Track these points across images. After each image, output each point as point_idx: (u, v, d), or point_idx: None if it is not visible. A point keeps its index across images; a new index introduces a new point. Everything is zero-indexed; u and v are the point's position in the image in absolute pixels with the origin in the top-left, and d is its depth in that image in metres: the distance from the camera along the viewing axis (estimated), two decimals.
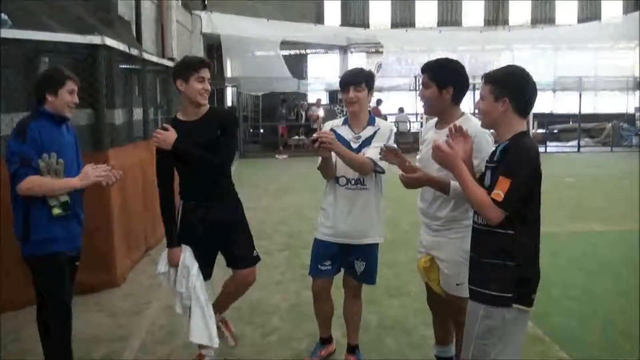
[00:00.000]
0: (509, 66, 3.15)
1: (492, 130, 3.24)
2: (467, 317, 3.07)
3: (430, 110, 3.75)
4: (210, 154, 3.99)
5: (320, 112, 22.49)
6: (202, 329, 4.09)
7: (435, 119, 3.82)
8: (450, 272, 3.62)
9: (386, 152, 3.69)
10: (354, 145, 4.11)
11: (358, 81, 4.08)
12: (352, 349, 4.47)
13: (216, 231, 4.17)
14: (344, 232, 4.15)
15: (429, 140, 3.69)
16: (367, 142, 4.10)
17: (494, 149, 3.09)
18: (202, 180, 4.11)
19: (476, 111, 3.17)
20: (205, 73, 4.03)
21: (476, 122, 3.51)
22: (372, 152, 4.01)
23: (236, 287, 4.45)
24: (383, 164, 3.95)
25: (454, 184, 3.35)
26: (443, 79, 3.60)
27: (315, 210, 4.56)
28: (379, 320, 5.25)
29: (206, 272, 4.25)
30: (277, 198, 10.98)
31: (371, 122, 4.19)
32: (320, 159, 4.04)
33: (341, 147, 3.99)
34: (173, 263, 4.12)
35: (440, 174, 3.47)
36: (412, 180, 3.55)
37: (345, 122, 4.24)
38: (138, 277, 6.67)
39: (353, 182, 4.12)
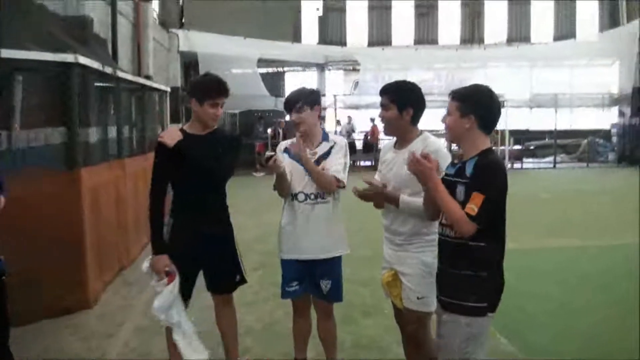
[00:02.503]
0: (475, 85, 3.29)
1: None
2: (443, 328, 3.15)
3: (390, 131, 3.89)
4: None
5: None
6: (190, 349, 4.05)
7: (394, 139, 3.91)
8: (413, 286, 3.68)
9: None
10: None
11: (298, 103, 4.12)
12: None
13: (203, 250, 4.14)
14: (308, 248, 4.15)
15: (389, 160, 3.84)
16: (323, 158, 4.14)
17: (458, 164, 3.18)
18: (197, 195, 4.11)
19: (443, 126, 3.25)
20: (221, 100, 4.08)
21: (434, 140, 3.70)
22: (336, 169, 4.06)
23: (225, 323, 4.46)
24: (344, 178, 4.06)
25: (404, 198, 3.58)
26: (403, 101, 3.71)
27: None
28: (354, 340, 5.23)
29: (188, 291, 4.21)
30: (253, 216, 10.95)
31: (325, 138, 4.22)
32: (275, 177, 4.07)
33: (312, 163, 4.06)
34: (157, 270, 4.06)
35: (397, 193, 3.66)
36: (365, 194, 3.78)
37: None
38: (111, 298, 6.58)
39: (312, 196, 4.13)
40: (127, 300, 6.50)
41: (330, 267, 4.20)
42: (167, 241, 4.12)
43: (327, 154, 4.15)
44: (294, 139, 4.27)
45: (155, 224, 4.08)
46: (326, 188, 4.09)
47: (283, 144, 4.37)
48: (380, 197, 3.78)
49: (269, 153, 3.98)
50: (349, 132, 24.86)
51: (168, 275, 4.00)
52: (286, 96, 4.26)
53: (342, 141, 4.27)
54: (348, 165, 4.19)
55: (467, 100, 3.12)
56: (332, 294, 4.24)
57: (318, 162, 4.12)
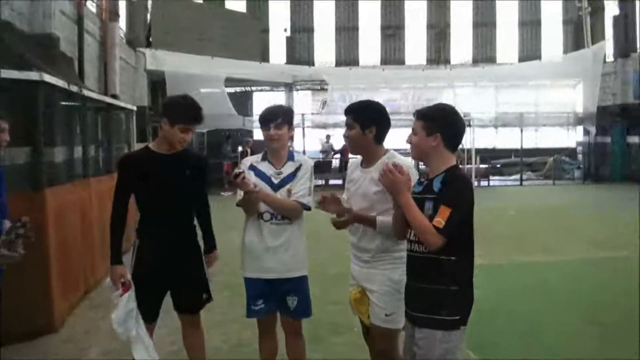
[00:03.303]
0: (440, 104, 3.41)
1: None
2: (419, 344, 3.15)
3: (355, 150, 3.93)
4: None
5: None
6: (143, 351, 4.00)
7: (360, 158, 3.95)
8: (381, 303, 3.70)
9: (326, 202, 3.82)
10: (275, 181, 4.13)
11: (278, 119, 4.10)
12: None
13: (170, 270, 4.09)
14: (272, 267, 4.12)
15: (356, 179, 3.88)
16: (289, 178, 4.13)
17: (425, 181, 3.24)
18: (163, 215, 4.09)
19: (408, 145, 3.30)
20: (194, 126, 4.05)
21: (400, 158, 3.72)
22: (302, 193, 4.08)
23: (193, 344, 4.40)
24: (309, 201, 4.08)
25: (380, 219, 3.62)
26: (366, 120, 3.76)
27: None
28: (325, 358, 5.19)
29: (155, 311, 4.17)
30: (220, 236, 10.82)
31: (290, 157, 4.22)
32: (241, 194, 4.05)
33: (274, 197, 4.08)
34: (113, 279, 4.04)
35: (365, 212, 3.72)
36: (341, 223, 3.82)
37: (264, 158, 4.24)
38: (77, 321, 6.44)
39: (279, 217, 4.11)
40: (93, 323, 6.37)
41: (296, 284, 4.18)
42: (134, 262, 4.08)
43: (292, 175, 4.15)
44: (259, 156, 4.29)
45: (114, 235, 4.07)
46: (291, 215, 4.11)
47: (248, 161, 4.33)
48: (355, 221, 3.80)
49: (237, 170, 3.98)
50: (327, 151, 24.91)
51: (123, 285, 3.96)
52: (265, 110, 4.22)
53: (308, 162, 4.27)
54: (312, 187, 4.18)
55: (432, 120, 3.18)
56: (299, 310, 4.20)
57: (283, 182, 4.12)
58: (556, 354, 5.36)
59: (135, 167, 4.07)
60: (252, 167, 4.22)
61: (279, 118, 4.10)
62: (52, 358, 5.42)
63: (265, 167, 4.19)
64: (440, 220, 2.95)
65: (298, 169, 4.16)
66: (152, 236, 4.10)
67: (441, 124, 3.17)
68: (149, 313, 4.11)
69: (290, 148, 4.39)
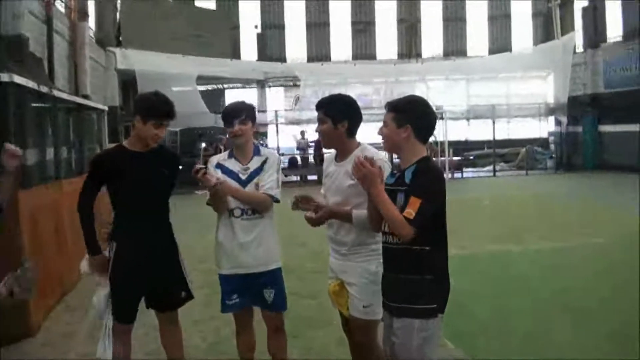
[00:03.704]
0: (410, 96, 3.42)
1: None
2: (397, 334, 3.19)
3: (328, 144, 3.97)
4: None
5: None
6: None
7: (335, 152, 3.99)
8: (358, 295, 3.74)
9: (300, 202, 3.88)
10: (243, 177, 4.17)
11: (242, 115, 4.14)
12: None
13: (148, 270, 4.07)
14: (246, 262, 4.15)
15: (331, 173, 3.92)
16: (256, 172, 4.17)
17: (397, 173, 3.28)
18: (138, 214, 4.07)
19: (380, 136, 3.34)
20: (166, 122, 4.04)
21: (373, 151, 3.77)
22: (269, 185, 4.11)
23: (171, 343, 4.40)
24: (277, 193, 4.12)
25: (356, 212, 3.64)
26: (337, 115, 3.79)
27: None
28: (302, 353, 5.23)
29: (134, 313, 4.16)
30: (196, 234, 10.80)
31: (257, 152, 4.25)
32: (208, 193, 4.08)
33: (238, 189, 4.11)
34: (95, 270, 4.07)
35: (341, 206, 3.76)
36: (315, 220, 3.84)
37: (231, 155, 4.27)
38: (54, 325, 6.37)
39: (250, 212, 4.14)
40: (70, 326, 6.32)
41: (272, 277, 4.21)
42: (111, 263, 4.07)
43: (259, 168, 4.18)
44: (226, 153, 4.32)
45: (85, 226, 4.08)
46: (260, 208, 4.13)
47: (215, 159, 4.36)
48: (330, 217, 3.84)
49: (198, 165, 4.00)
50: (304, 148, 24.90)
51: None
52: (227, 107, 4.27)
53: (274, 156, 4.31)
54: (280, 179, 4.22)
55: (403, 111, 3.22)
56: (276, 302, 4.23)
57: (251, 177, 4.16)
58: (532, 340, 5.43)
59: (109, 165, 4.07)
60: (218, 165, 4.24)
61: (243, 114, 4.14)
62: None
63: (232, 164, 4.22)
64: (410, 212, 2.99)
65: (264, 162, 4.19)
66: (129, 235, 4.08)
67: (412, 115, 3.20)
68: (129, 314, 4.13)
69: (262, 144, 4.41)
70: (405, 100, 3.33)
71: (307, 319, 5.98)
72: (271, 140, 24.78)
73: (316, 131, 3.95)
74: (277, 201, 4.16)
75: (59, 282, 7.21)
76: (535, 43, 29.49)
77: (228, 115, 4.17)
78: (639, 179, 16.04)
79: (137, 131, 4.07)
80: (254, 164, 4.19)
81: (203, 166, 4.02)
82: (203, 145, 23.38)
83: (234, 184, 4.13)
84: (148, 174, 4.03)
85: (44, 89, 7.25)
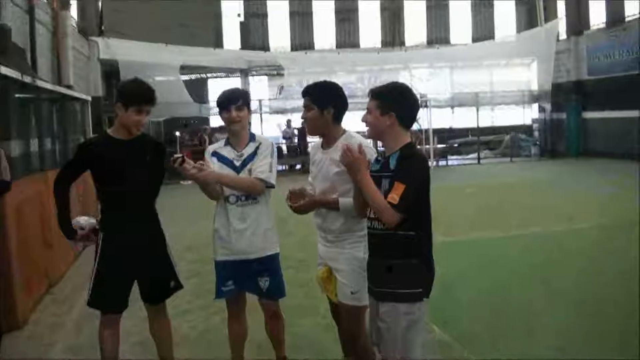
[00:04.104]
0: (394, 83, 3.44)
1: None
2: (382, 318, 3.24)
3: (313, 131, 4.00)
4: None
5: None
6: None
7: (321, 140, 4.01)
8: (346, 281, 3.78)
9: (293, 196, 3.90)
10: (237, 164, 4.19)
11: (239, 101, 4.16)
12: None
13: (136, 260, 4.10)
14: (241, 249, 4.18)
15: (318, 160, 3.95)
16: (250, 158, 4.19)
17: (382, 160, 3.32)
18: (124, 203, 4.08)
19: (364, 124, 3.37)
20: (147, 107, 4.04)
21: (358, 138, 3.82)
22: (261, 169, 4.11)
23: (160, 333, 4.43)
24: (272, 178, 4.13)
25: (342, 200, 3.68)
26: (323, 101, 3.83)
27: None
28: (291, 341, 5.22)
29: (123, 302, 4.18)
30: (183, 224, 10.80)
31: (252, 139, 4.27)
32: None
33: (221, 175, 4.13)
34: (81, 239, 4.17)
35: (328, 194, 3.79)
36: (300, 207, 3.87)
37: (227, 143, 4.30)
38: (40, 317, 6.36)
39: (244, 198, 4.17)
40: (58, 318, 6.31)
41: (267, 263, 4.24)
42: (99, 254, 4.09)
43: (253, 154, 4.20)
44: (222, 142, 4.33)
45: (60, 209, 4.12)
46: (250, 191, 4.14)
47: (211, 148, 4.39)
48: (316, 206, 3.86)
49: (176, 155, 4.01)
50: (290, 137, 24.85)
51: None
52: (223, 93, 4.25)
53: (267, 141, 4.32)
54: (275, 164, 4.21)
55: (386, 99, 3.26)
56: (272, 290, 4.27)
57: (245, 163, 4.17)
58: (517, 325, 5.52)
59: (93, 152, 4.08)
60: (214, 153, 4.27)
61: (239, 100, 4.15)
62: (16, 357, 5.34)
63: (227, 152, 4.25)
64: (394, 197, 3.05)
65: (258, 148, 4.21)
66: (116, 226, 4.10)
67: (395, 103, 3.25)
68: (118, 304, 4.14)
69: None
70: (388, 88, 3.36)
71: (294, 308, 6.01)
72: (255, 130, 24.67)
73: (302, 117, 3.97)
74: (272, 186, 4.16)
75: (45, 274, 7.18)
76: (519, 30, 29.47)
77: (225, 101, 4.16)
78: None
79: (119, 119, 4.08)
80: (248, 150, 4.22)
81: (179, 155, 4.02)
82: (177, 134, 23.13)
83: (229, 171, 4.16)
84: (131, 162, 4.04)
85: (27, 79, 7.18)
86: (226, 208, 4.20)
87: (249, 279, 4.23)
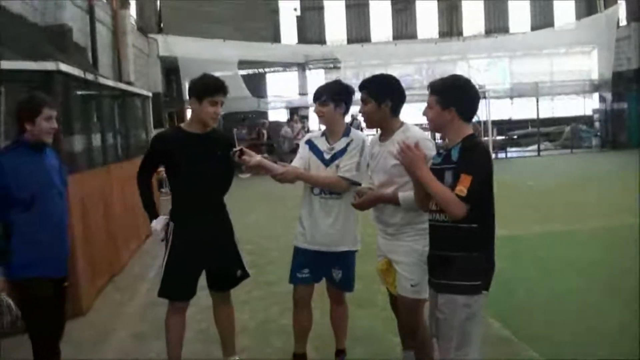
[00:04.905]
0: (453, 76, 3.39)
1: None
2: (441, 310, 3.22)
3: (371, 125, 4.00)
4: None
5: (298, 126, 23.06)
6: None
7: (379, 133, 4.00)
8: (406, 273, 3.77)
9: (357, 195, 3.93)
10: (327, 157, 4.23)
11: (321, 96, 4.20)
12: (339, 352, 4.60)
13: (205, 250, 4.21)
14: (319, 240, 4.24)
15: (376, 154, 3.93)
16: (340, 153, 4.21)
17: (443, 152, 3.28)
18: (196, 194, 4.18)
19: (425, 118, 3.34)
20: (220, 98, 4.15)
21: (416, 130, 3.81)
22: (347, 168, 4.13)
23: (223, 321, 4.52)
24: (359, 177, 4.14)
25: (403, 194, 3.66)
26: (380, 94, 3.81)
27: (280, 227, 4.57)
28: (349, 332, 5.24)
29: (192, 291, 4.29)
30: (242, 216, 10.92)
31: (346, 133, 4.28)
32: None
33: (300, 173, 4.17)
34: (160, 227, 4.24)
35: (386, 186, 3.78)
36: (362, 204, 3.88)
37: (323, 134, 4.36)
38: (103, 305, 6.57)
39: (327, 191, 4.21)
40: (120, 306, 6.50)
41: (341, 258, 4.30)
42: (170, 243, 4.21)
43: (343, 150, 4.22)
44: (320, 131, 4.43)
45: (143, 197, 4.30)
46: (332, 189, 4.19)
47: (308, 135, 4.52)
48: (377, 202, 3.86)
49: (236, 148, 4.10)
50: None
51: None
52: (319, 87, 4.37)
53: (359, 138, 4.30)
54: (363, 162, 4.20)
55: (446, 93, 3.23)
56: (342, 283, 4.37)
57: (334, 157, 4.21)
58: (577, 321, 5.37)
59: (166, 144, 4.23)
60: (309, 142, 4.37)
61: (323, 96, 4.20)
62: (80, 340, 5.50)
63: (321, 143, 4.31)
64: (462, 189, 3.01)
65: (349, 144, 4.23)
66: (186, 216, 4.21)
67: (455, 97, 3.21)
68: (186, 292, 4.26)
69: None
70: (447, 82, 3.32)
71: (352, 299, 5.99)
72: (313, 123, 24.77)
73: (360, 112, 3.96)
74: (357, 184, 4.17)
75: (108, 264, 7.38)
76: (578, 17, 28.68)
77: (313, 96, 4.29)
78: None
79: (195, 114, 4.21)
80: (340, 144, 4.24)
81: (239, 148, 4.12)
82: (235, 130, 23.40)
83: (317, 162, 4.24)
84: (203, 156, 4.13)
85: (89, 77, 7.37)
86: (311, 198, 4.28)
87: (324, 268, 4.32)
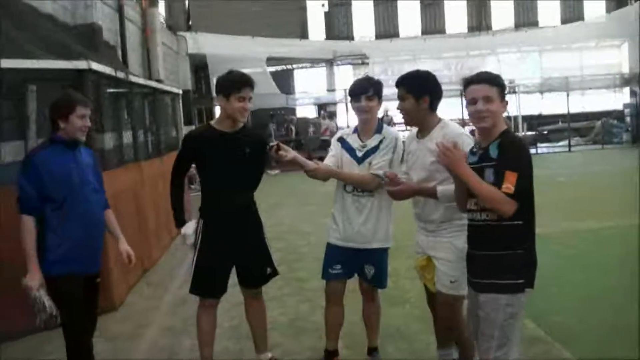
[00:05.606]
0: (487, 72, 3.35)
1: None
2: (483, 308, 3.19)
3: (410, 122, 3.96)
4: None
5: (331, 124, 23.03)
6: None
7: (416, 129, 3.96)
8: (446, 270, 3.74)
9: (391, 181, 3.83)
10: (359, 154, 4.21)
11: (369, 90, 4.16)
12: (371, 350, 4.59)
13: (235, 247, 4.23)
14: (351, 237, 4.23)
15: (413, 150, 3.90)
16: (372, 151, 4.19)
17: (479, 150, 3.24)
18: (226, 191, 4.20)
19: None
20: (247, 92, 4.13)
21: (454, 126, 3.79)
22: (379, 165, 4.12)
23: (255, 318, 4.53)
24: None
25: (441, 188, 3.63)
26: (418, 90, 3.77)
27: (310, 224, 4.56)
28: (381, 330, 5.23)
29: (223, 288, 4.32)
30: (271, 213, 10.96)
31: (378, 130, 4.25)
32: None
33: (331, 171, 4.18)
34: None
35: (425, 183, 3.75)
36: (397, 193, 3.81)
37: (355, 131, 4.33)
38: (135, 300, 6.64)
39: (359, 189, 4.20)
40: (152, 301, 6.56)
41: (374, 255, 4.29)
42: (200, 241, 4.21)
43: (375, 147, 4.20)
44: (352, 128, 4.40)
45: (173, 198, 4.34)
46: (363, 187, 4.18)
47: (340, 132, 4.49)
48: (414, 194, 3.82)
49: (272, 143, 4.09)
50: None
51: None
52: (355, 82, 4.32)
53: (392, 135, 4.27)
54: (397, 159, 4.18)
55: (502, 87, 3.21)
56: (375, 280, 4.35)
57: (367, 155, 4.19)
58: (613, 320, 5.26)
59: (196, 143, 4.23)
60: (340, 139, 4.35)
61: (370, 89, 4.16)
62: (113, 334, 5.58)
63: (353, 140, 4.29)
64: (509, 186, 2.98)
65: (381, 141, 4.20)
66: (216, 214, 4.22)
67: (502, 91, 3.21)
68: (217, 289, 4.29)
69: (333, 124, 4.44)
70: (494, 74, 3.30)
71: (384, 296, 5.96)
72: (341, 119, 24.75)
73: (397, 108, 3.92)
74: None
75: (140, 260, 7.43)
76: (609, 10, 28.17)
77: (355, 91, 4.20)
78: None
79: (224, 112, 4.19)
80: (372, 142, 4.22)
81: (275, 143, 4.10)
82: (273, 127, 23.52)
83: (349, 159, 4.22)
84: (233, 153, 4.13)
85: (120, 75, 7.43)
86: (343, 195, 4.27)
87: (356, 265, 4.31)
